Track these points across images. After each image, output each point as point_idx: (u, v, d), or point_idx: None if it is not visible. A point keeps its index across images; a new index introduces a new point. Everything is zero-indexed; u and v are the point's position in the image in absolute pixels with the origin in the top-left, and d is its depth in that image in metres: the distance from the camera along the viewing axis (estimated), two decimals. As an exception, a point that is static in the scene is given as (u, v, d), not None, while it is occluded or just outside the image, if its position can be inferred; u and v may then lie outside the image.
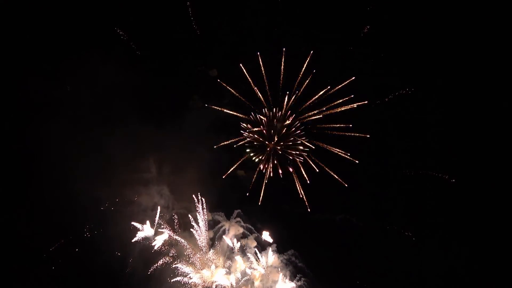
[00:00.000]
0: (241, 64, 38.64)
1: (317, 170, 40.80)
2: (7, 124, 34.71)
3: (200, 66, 42.66)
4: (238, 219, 43.41)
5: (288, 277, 41.67)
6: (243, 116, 41.84)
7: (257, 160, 43.07)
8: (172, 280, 37.03)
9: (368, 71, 39.78)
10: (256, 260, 41.01)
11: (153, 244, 36.81)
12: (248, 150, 43.36)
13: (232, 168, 44.07)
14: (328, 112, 39.95)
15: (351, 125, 39.42)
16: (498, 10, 34.58)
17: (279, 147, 42.49)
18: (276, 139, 42.26)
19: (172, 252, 37.99)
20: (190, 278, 37.57)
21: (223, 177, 43.71)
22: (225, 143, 42.56)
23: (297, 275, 42.30)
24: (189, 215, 38.81)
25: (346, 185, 40.28)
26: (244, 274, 39.50)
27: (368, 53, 39.97)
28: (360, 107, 38.66)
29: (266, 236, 41.57)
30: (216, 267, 39.08)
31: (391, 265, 39.64)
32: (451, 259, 38.23)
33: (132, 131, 39.21)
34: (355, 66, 39.37)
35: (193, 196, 39.49)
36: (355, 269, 41.36)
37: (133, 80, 37.68)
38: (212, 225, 42.30)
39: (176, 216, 39.35)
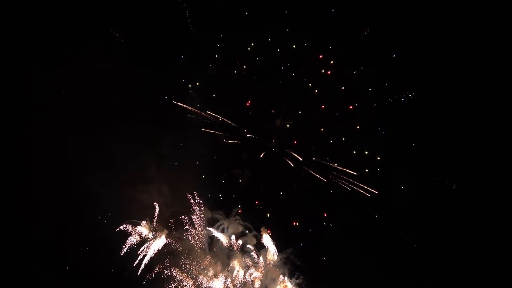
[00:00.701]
0: (238, 62, 37.98)
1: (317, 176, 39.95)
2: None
3: (198, 64, 42.08)
4: (237, 217, 43.48)
5: (286, 275, 42.05)
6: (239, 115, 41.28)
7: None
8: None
9: (368, 73, 38.67)
10: (255, 259, 41.28)
11: (143, 256, 36.74)
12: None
13: (232, 166, 44.15)
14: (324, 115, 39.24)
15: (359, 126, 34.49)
16: (500, 11, 33.42)
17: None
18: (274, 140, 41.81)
19: (169, 258, 38.00)
20: (185, 286, 37.81)
21: (223, 175, 43.94)
22: (225, 141, 42.31)
23: (296, 273, 42.62)
24: (186, 217, 38.84)
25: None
26: (242, 281, 39.70)
27: (368, 56, 38.42)
28: (358, 109, 37.88)
29: (266, 239, 41.60)
30: (214, 273, 39.18)
31: (391, 267, 39.71)
32: (452, 264, 38.27)
33: (131, 130, 38.88)
34: (354, 68, 38.26)
35: (191, 195, 39.58)
36: (354, 269, 41.51)
37: (131, 79, 37.28)
38: (211, 223, 42.46)
39: (172, 220, 39.25)
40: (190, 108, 39.91)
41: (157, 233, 38.11)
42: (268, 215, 41.72)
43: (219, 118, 39.68)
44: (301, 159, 35.53)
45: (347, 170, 33.98)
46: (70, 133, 36.48)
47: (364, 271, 40.54)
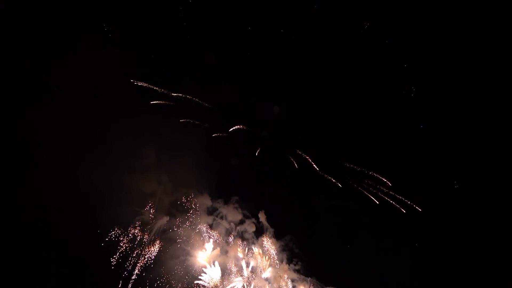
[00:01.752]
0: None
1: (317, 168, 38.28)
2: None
3: (197, 54, 40.76)
4: (236, 205, 43.89)
5: (285, 262, 42.94)
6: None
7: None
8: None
9: (367, 69, 36.52)
10: (253, 247, 42.04)
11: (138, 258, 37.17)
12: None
13: (230, 154, 43.97)
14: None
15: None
16: (499, 9, 31.07)
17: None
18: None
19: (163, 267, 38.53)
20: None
21: (222, 163, 43.92)
22: (221, 134, 41.89)
23: (293, 259, 43.44)
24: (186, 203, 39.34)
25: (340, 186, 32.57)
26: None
27: (367, 50, 35.80)
28: (358, 107, 36.44)
29: (264, 225, 42.13)
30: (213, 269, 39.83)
31: (390, 265, 40.07)
32: (453, 264, 38.34)
33: (130, 118, 38.57)
34: (354, 63, 36.20)
35: (190, 184, 39.94)
36: (351, 258, 42.13)
37: (130, 69, 36.82)
38: (211, 211, 43.00)
39: (167, 222, 39.75)
40: (173, 94, 37.63)
41: (156, 222, 38.67)
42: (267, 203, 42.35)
43: (209, 106, 35.92)
44: (317, 168, 27.74)
45: (379, 176, 24.98)
46: (68, 125, 36.35)
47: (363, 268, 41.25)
